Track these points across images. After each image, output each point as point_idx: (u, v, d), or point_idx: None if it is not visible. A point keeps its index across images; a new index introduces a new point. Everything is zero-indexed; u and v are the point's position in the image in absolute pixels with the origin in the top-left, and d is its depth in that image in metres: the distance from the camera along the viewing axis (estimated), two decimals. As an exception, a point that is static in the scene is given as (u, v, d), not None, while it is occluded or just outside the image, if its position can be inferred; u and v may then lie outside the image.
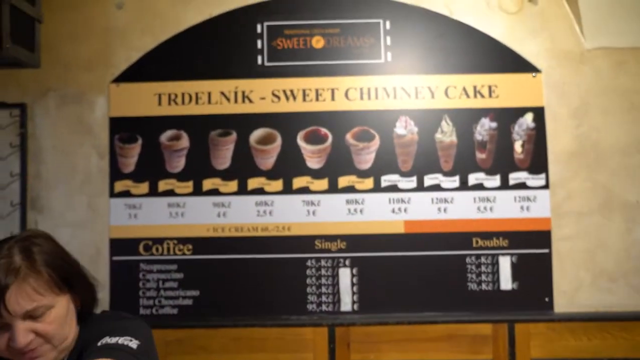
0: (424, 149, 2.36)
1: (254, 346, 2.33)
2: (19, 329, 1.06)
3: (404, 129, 2.35)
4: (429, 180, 2.33)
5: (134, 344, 1.12)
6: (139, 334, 1.17)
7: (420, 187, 2.34)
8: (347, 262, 2.33)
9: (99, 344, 1.11)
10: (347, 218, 2.35)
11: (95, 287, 1.25)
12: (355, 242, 2.35)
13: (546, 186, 2.32)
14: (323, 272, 2.34)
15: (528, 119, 2.33)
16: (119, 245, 2.39)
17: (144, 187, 2.39)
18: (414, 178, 2.33)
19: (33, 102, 2.45)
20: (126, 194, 2.40)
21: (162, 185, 2.38)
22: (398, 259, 2.32)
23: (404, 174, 2.34)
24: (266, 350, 2.31)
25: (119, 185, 2.40)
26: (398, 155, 2.35)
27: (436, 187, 2.34)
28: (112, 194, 2.41)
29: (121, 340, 1.12)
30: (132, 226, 2.39)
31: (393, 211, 2.33)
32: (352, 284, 2.33)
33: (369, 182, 2.34)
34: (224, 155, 2.38)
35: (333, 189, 2.34)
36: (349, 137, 2.36)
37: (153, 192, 2.39)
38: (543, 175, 2.32)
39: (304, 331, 2.32)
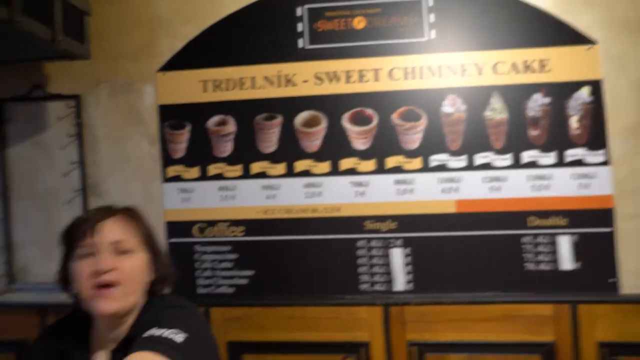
0: (473, 127, 2.14)
1: (308, 325, 2.23)
2: (105, 254, 1.17)
3: (452, 107, 2.13)
4: (479, 158, 2.13)
5: (180, 337, 1.12)
6: (188, 326, 1.17)
7: (470, 166, 2.14)
8: (398, 242, 2.18)
9: (145, 334, 1.13)
10: (397, 198, 2.18)
11: (169, 272, 1.31)
12: (406, 222, 2.18)
13: (606, 162, 2.07)
14: (374, 252, 2.20)
15: (584, 93, 2.07)
16: (174, 228, 2.32)
17: (195, 172, 2.29)
18: (464, 157, 2.13)
19: (86, 94, 2.38)
20: (178, 178, 2.31)
21: (212, 169, 2.28)
22: (451, 239, 2.15)
23: (453, 153, 2.14)
24: (320, 329, 2.20)
25: (171, 171, 2.31)
26: (446, 134, 2.15)
27: (487, 166, 2.13)
28: (165, 179, 2.33)
29: (167, 332, 1.12)
30: (185, 210, 2.31)
31: (443, 191, 2.14)
32: (405, 264, 2.18)
33: (417, 162, 2.16)
34: (270, 138, 2.25)
35: (381, 169, 2.18)
36: (394, 117, 2.17)
37: (203, 176, 2.29)
38: (602, 152, 2.07)
39: (358, 310, 2.19)
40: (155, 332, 1.12)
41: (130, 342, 1.17)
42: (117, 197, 2.37)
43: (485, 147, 2.14)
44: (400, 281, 2.21)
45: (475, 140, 2.14)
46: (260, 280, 2.29)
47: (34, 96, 2.42)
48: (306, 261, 2.25)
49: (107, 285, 1.17)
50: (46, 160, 2.43)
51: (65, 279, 1.24)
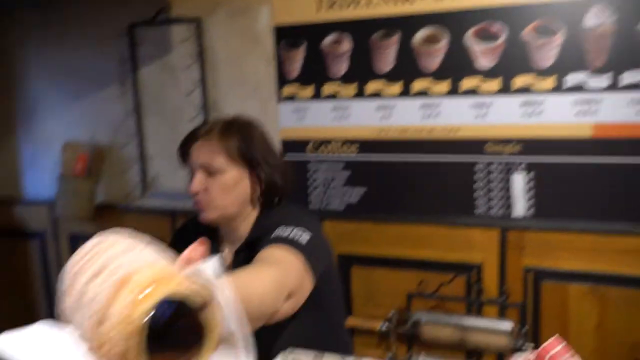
0: (622, 42, 1.73)
1: (420, 242, 2.08)
2: (197, 175, 1.23)
3: (597, 19, 1.73)
4: (628, 77, 1.74)
5: (304, 238, 1.15)
6: (311, 228, 1.20)
7: (614, 87, 1.76)
8: (521, 167, 1.91)
9: (273, 235, 1.15)
10: (523, 120, 1.87)
11: (279, 179, 1.29)
12: (532, 146, 1.88)
13: None
14: (494, 176, 1.95)
15: None
16: (289, 146, 2.21)
17: (309, 91, 2.14)
18: (608, 76, 1.76)
19: (206, 17, 2.27)
20: (293, 98, 2.17)
21: (326, 88, 2.11)
22: (583, 166, 1.83)
23: (594, 72, 1.77)
24: (431, 247, 2.06)
25: (286, 90, 2.17)
26: (587, 51, 1.76)
27: (636, 86, 1.74)
28: (280, 99, 2.20)
29: (293, 233, 1.15)
30: (299, 128, 2.18)
31: (578, 113, 1.81)
32: (528, 189, 1.93)
33: (549, 82, 1.82)
34: (386, 57, 2.00)
35: (506, 89, 1.87)
36: (526, 32, 1.81)
37: (318, 95, 2.13)
38: None
39: (472, 232, 2.00)
40: (282, 232, 1.15)
41: (253, 244, 1.22)
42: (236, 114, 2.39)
43: (636, 63, 1.73)
44: (520, 207, 1.93)
45: (623, 57, 1.73)
46: (371, 198, 2.12)
47: (160, 20, 2.33)
48: (420, 182, 2.04)
49: (200, 202, 1.23)
50: (172, 81, 2.38)
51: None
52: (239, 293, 0.66)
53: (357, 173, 2.15)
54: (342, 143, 2.14)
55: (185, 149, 1.26)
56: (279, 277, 1.00)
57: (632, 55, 1.73)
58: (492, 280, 2.02)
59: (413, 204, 2.08)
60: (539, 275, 1.95)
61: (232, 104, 2.31)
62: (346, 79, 2.08)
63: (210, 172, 1.21)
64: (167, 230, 2.41)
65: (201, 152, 1.22)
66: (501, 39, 1.84)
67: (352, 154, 2.13)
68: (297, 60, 2.14)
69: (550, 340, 0.92)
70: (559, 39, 1.78)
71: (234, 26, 2.24)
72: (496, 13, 1.84)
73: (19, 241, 2.86)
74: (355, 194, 2.16)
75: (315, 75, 2.13)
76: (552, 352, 0.89)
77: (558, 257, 1.92)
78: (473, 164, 1.98)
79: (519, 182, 1.93)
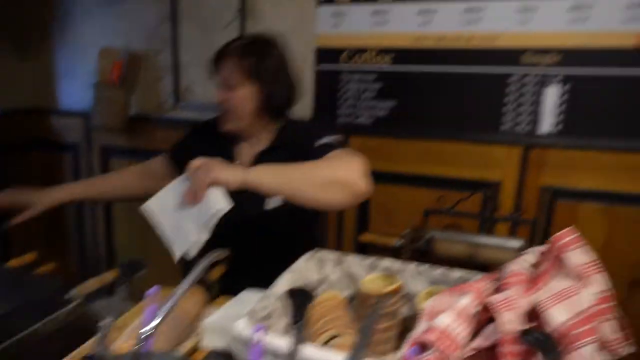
0: None
1: (442, 160, 1.92)
2: (220, 88, 1.31)
3: None
4: None
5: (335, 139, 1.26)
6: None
7: None
8: (557, 79, 1.70)
9: (316, 145, 1.23)
10: (568, 27, 1.65)
11: (292, 91, 1.36)
12: (572, 56, 1.67)
13: None
14: (528, 88, 1.74)
15: None
16: (323, 54, 2.00)
17: None
18: None
19: None
20: (331, 1, 1.95)
21: None
22: (622, 79, 1.62)
23: None
24: (455, 164, 1.90)
25: None
26: None
27: None
28: (319, 2, 1.97)
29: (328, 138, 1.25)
30: (335, 35, 1.96)
31: (627, 20, 1.58)
32: (560, 103, 1.72)
33: None
34: None
35: None
36: None
37: None
38: None
39: (495, 149, 1.83)
40: (319, 142, 1.24)
41: (278, 148, 1.33)
42: (272, 20, 2.05)
43: None
44: (547, 123, 1.74)
45: None
46: (399, 112, 1.92)
47: None
48: (450, 96, 1.85)
49: (224, 111, 1.32)
50: None
51: None
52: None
53: (388, 85, 1.95)
54: (376, 52, 1.93)
55: (214, 64, 1.33)
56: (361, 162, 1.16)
57: None
58: (508, 199, 1.86)
59: (440, 120, 1.90)
60: (555, 194, 1.79)
61: (270, 8, 2.09)
62: None
63: (230, 86, 1.28)
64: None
65: (223, 68, 1.29)
66: None
67: (386, 65, 1.91)
68: None
69: (564, 230, 0.86)
70: None
71: None
72: None
73: (53, 153, 2.64)
74: (385, 107, 1.94)
75: None
76: (565, 239, 0.84)
77: (576, 176, 1.76)
78: (507, 76, 1.78)
79: (552, 96, 1.72)
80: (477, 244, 1.78)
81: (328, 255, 1.14)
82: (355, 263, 1.12)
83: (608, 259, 1.73)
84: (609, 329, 0.79)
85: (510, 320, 0.73)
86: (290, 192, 1.07)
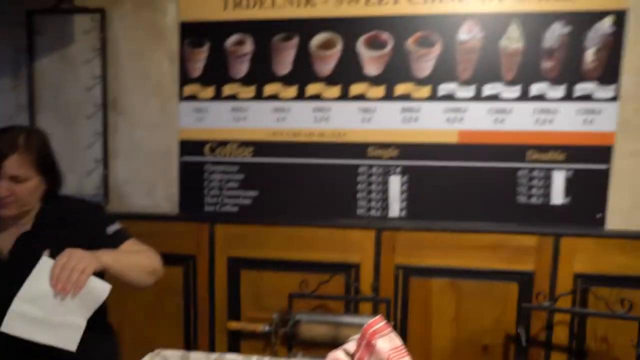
0: (486, 56, 1.79)
1: (305, 244, 1.95)
2: (2, 184, 1.26)
3: (468, 34, 1.78)
4: (488, 89, 1.79)
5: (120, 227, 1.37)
6: (112, 218, 1.39)
7: (478, 97, 1.80)
8: (398, 170, 1.87)
9: (109, 232, 1.33)
10: (402, 126, 1.85)
11: (62, 178, 1.40)
12: (408, 150, 1.86)
13: (615, 98, 1.73)
14: (374, 178, 1.89)
15: (606, 23, 1.71)
16: (187, 147, 2.01)
17: (210, 92, 1.97)
18: (473, 87, 1.80)
19: (111, 8, 2.03)
20: (194, 98, 1.98)
21: (227, 89, 1.96)
22: (449, 169, 1.83)
23: (462, 83, 1.80)
24: (316, 248, 1.94)
25: (187, 90, 1.99)
26: (458, 63, 1.80)
27: (495, 97, 1.79)
28: (181, 98, 2.00)
29: (117, 226, 1.36)
30: (199, 129, 2.00)
31: (448, 120, 1.82)
32: (402, 191, 1.88)
33: (426, 90, 1.82)
34: (285, 60, 1.91)
35: (389, 96, 1.85)
36: (409, 42, 1.82)
37: (218, 96, 1.97)
38: (613, 87, 1.73)
39: (352, 233, 1.91)
40: (111, 227, 1.35)
41: (41, 229, 1.33)
42: (136, 114, 2.05)
43: (496, 78, 1.79)
44: (395, 208, 1.89)
45: (486, 70, 1.79)
46: (263, 201, 1.97)
47: (62, 9, 2.05)
48: (308, 184, 1.94)
49: (6, 202, 1.28)
50: (71, 74, 2.09)
51: None
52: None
53: (250, 176, 2.00)
54: (238, 145, 1.98)
55: None
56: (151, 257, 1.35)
57: (493, 69, 1.79)
58: (368, 278, 1.95)
59: (300, 207, 1.97)
60: (408, 272, 1.92)
61: (133, 101, 2.08)
62: (246, 80, 1.96)
63: (16, 180, 1.29)
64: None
65: (11, 166, 1.28)
66: (388, 48, 1.84)
67: (248, 156, 1.97)
68: (200, 59, 1.98)
69: (374, 318, 0.97)
70: (436, 51, 1.81)
71: (139, 20, 2.04)
72: (385, 22, 1.84)
73: None
74: (248, 196, 1.99)
75: (216, 75, 1.99)
76: (375, 327, 0.94)
77: (424, 255, 1.90)
78: (356, 167, 1.91)
79: (395, 185, 1.89)
80: (340, 324, 1.82)
81: (172, 354, 1.14)
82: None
83: (460, 328, 1.88)
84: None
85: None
86: (127, 274, 1.26)
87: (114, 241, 1.32)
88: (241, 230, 2.03)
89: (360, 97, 1.87)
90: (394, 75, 1.85)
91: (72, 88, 2.11)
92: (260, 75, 1.94)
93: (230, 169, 2.01)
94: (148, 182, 2.09)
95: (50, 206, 1.38)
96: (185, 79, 2.00)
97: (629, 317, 1.64)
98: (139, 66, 2.06)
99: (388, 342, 0.91)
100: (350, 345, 0.98)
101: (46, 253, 1.17)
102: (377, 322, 0.94)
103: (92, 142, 2.12)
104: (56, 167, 1.38)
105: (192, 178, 2.04)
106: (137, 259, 1.30)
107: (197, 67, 1.99)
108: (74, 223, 1.35)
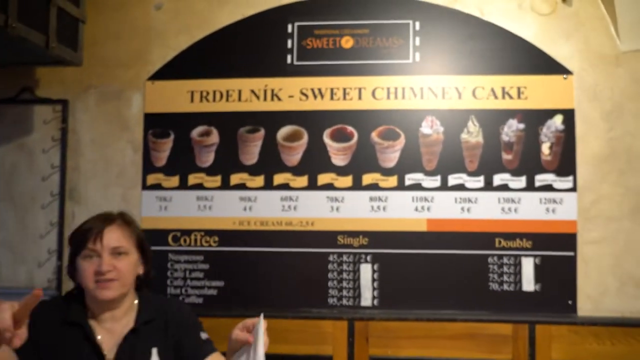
0: (449, 148, 1.89)
1: (275, 337, 2.01)
2: (105, 258, 1.25)
3: (430, 128, 1.89)
4: (453, 179, 1.88)
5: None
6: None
7: (444, 187, 1.88)
8: (368, 258, 1.90)
9: (203, 337, 1.32)
10: (370, 215, 1.90)
11: (151, 266, 1.39)
12: (378, 238, 1.90)
13: (573, 189, 1.84)
14: (345, 267, 1.91)
15: (557, 121, 1.85)
16: (149, 236, 2.02)
17: (175, 181, 1.98)
18: (438, 177, 1.88)
19: (74, 99, 2.06)
20: (158, 187, 1.99)
21: (192, 179, 1.97)
22: (419, 257, 1.87)
23: (428, 173, 1.89)
24: (287, 341, 1.89)
25: (151, 179, 1.99)
26: (423, 155, 1.89)
27: (460, 187, 1.88)
28: (145, 187, 2.00)
29: (205, 335, 1.34)
30: (162, 218, 1.98)
31: (416, 209, 1.88)
32: (373, 280, 1.90)
33: (392, 180, 1.90)
34: (251, 151, 1.95)
35: (357, 186, 1.91)
36: (374, 135, 1.91)
37: (183, 185, 1.98)
38: (571, 178, 1.85)
39: (324, 324, 1.89)
40: (203, 335, 1.32)
41: (142, 326, 1.29)
42: (95, 202, 2.02)
43: (459, 169, 1.88)
44: (367, 297, 1.91)
45: (450, 162, 1.89)
46: (229, 291, 1.95)
47: (23, 99, 2.06)
48: (277, 274, 1.93)
49: (108, 280, 1.26)
50: (28, 163, 2.07)
51: (72, 271, 1.32)
52: None
53: (216, 265, 1.99)
54: (203, 234, 1.96)
55: (86, 237, 1.28)
56: None
57: (456, 161, 1.90)
58: None
59: (269, 297, 1.96)
60: None
61: (92, 190, 2.07)
62: (212, 170, 1.99)
63: (118, 254, 1.28)
64: None
65: (112, 237, 1.28)
66: (353, 140, 1.93)
67: (213, 246, 1.94)
68: (165, 149, 2.01)
69: None
70: (400, 143, 1.90)
71: (103, 110, 2.07)
72: (350, 116, 1.94)
73: None
74: (214, 286, 1.95)
75: (181, 165, 2.02)
76: None
77: (399, 345, 1.88)
78: (327, 255, 1.93)
79: (366, 273, 1.92)
80: None
81: None
82: None
83: None
84: None
85: None
86: None
87: (206, 349, 1.30)
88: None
89: (328, 187, 1.93)
90: (361, 165, 1.92)
91: (27, 177, 2.08)
92: (226, 165, 1.98)
93: (194, 259, 1.98)
94: (107, 273, 2.01)
95: (146, 300, 1.35)
96: (149, 168, 2.02)
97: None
98: (100, 155, 2.07)
99: None
100: None
101: (155, 351, 1.21)
102: None
103: (46, 232, 2.06)
104: (150, 251, 1.38)
105: (154, 268, 1.98)
106: None
107: (162, 156, 2.01)
108: (174, 322, 1.32)
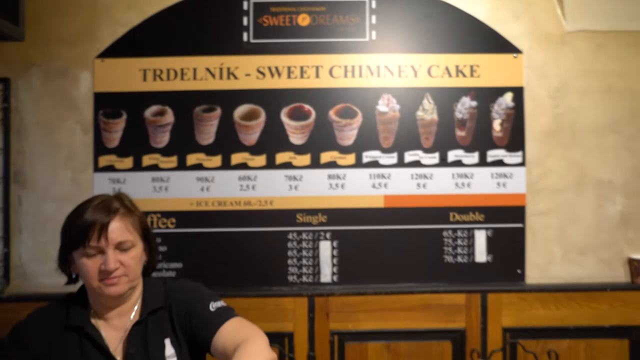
0: (405, 126, 1.95)
1: None
2: (110, 255, 1.17)
3: (386, 106, 1.94)
4: (409, 156, 1.95)
5: (222, 304, 1.25)
6: (211, 293, 1.29)
7: (400, 163, 1.95)
8: (327, 235, 1.95)
9: (212, 309, 1.21)
10: (329, 192, 1.95)
11: (157, 252, 1.33)
12: (336, 215, 1.96)
13: (522, 163, 1.95)
14: (304, 244, 1.96)
15: (507, 98, 1.95)
16: None
17: (128, 162, 1.96)
18: (395, 154, 1.95)
19: (17, 77, 1.97)
20: (110, 168, 1.96)
21: (147, 160, 1.96)
22: (377, 233, 1.94)
23: (385, 150, 1.94)
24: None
25: (103, 160, 1.96)
26: (380, 132, 1.95)
27: (416, 164, 1.95)
28: (96, 169, 1.96)
29: (220, 303, 1.24)
30: None
31: (373, 186, 1.94)
32: (332, 256, 1.96)
33: (350, 158, 1.95)
34: (208, 130, 1.95)
35: (315, 164, 1.95)
36: (332, 114, 1.94)
37: (137, 166, 1.96)
38: (520, 153, 1.95)
39: (284, 301, 1.94)
40: (213, 305, 1.22)
41: (150, 315, 1.24)
42: (43, 186, 1.97)
43: (416, 145, 1.95)
44: (327, 273, 1.96)
45: (406, 139, 1.95)
46: (188, 273, 1.95)
47: None
48: (237, 254, 1.95)
49: (115, 277, 1.19)
50: None
51: (65, 266, 1.25)
52: None
53: (173, 247, 1.99)
54: (159, 216, 1.94)
55: (86, 233, 1.19)
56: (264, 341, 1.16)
57: (412, 138, 1.96)
58: (303, 347, 1.96)
59: (230, 276, 1.99)
60: (343, 338, 1.96)
61: (40, 173, 2.01)
62: (167, 150, 1.98)
63: (123, 248, 1.21)
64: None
65: (115, 233, 1.20)
66: (311, 119, 1.96)
67: (170, 228, 1.93)
68: (117, 129, 1.97)
69: None
70: (358, 121, 1.95)
71: (49, 90, 2.00)
72: (308, 94, 1.96)
73: None
74: (171, 268, 1.95)
75: (135, 145, 1.99)
76: None
77: (358, 319, 1.96)
78: (286, 234, 1.97)
79: (325, 250, 1.97)
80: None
81: None
82: None
83: None
84: None
85: None
86: None
87: (219, 317, 1.19)
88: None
89: (287, 166, 1.96)
90: (319, 144, 1.96)
91: None
92: (182, 145, 1.97)
93: (151, 241, 1.94)
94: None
95: (151, 288, 1.29)
96: (100, 149, 1.98)
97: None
98: (47, 137, 2.00)
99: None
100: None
101: (167, 341, 1.20)
102: None
103: None
104: (153, 236, 1.30)
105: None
106: None
107: (114, 137, 1.97)
108: (175, 304, 1.25)
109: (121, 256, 1.19)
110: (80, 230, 1.18)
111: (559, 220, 1.96)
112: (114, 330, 1.23)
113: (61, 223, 1.99)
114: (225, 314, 1.21)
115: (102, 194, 1.27)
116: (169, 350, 1.23)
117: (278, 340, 1.94)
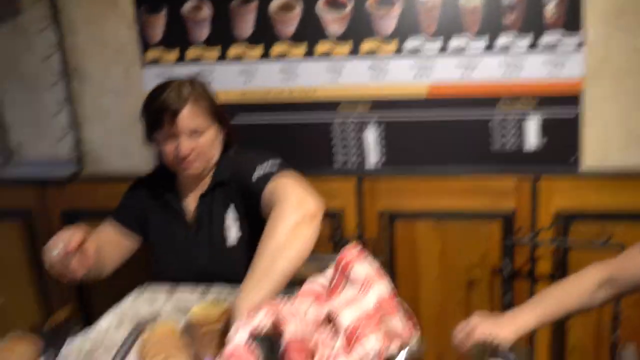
0: (448, 11, 1.92)
1: None
2: (183, 141, 1.34)
3: None
4: (454, 42, 1.94)
5: (277, 163, 1.39)
6: (270, 155, 1.43)
7: (444, 51, 1.96)
8: (372, 123, 2.07)
9: (253, 179, 1.32)
10: (371, 82, 2.03)
11: (230, 126, 1.49)
12: (379, 104, 2.05)
13: (580, 46, 1.88)
14: (348, 132, 2.10)
15: None
16: None
17: (173, 55, 2.13)
18: (438, 41, 1.95)
19: None
20: (157, 62, 2.15)
21: (190, 52, 2.11)
22: (421, 122, 2.03)
23: (427, 38, 1.95)
24: None
25: (150, 55, 2.14)
26: (421, 20, 1.94)
27: (462, 50, 1.94)
28: (144, 63, 2.16)
29: (270, 163, 1.37)
30: None
31: (416, 75, 2.00)
32: (377, 144, 2.09)
33: (391, 46, 1.98)
34: (246, 23, 2.04)
35: (355, 53, 2.01)
36: (369, 3, 1.95)
37: (182, 59, 2.12)
38: (577, 35, 1.87)
39: (332, 183, 2.13)
40: (255, 175, 1.33)
41: (217, 187, 1.44)
42: (99, 80, 2.22)
43: (461, 31, 1.93)
44: (372, 159, 2.11)
45: (450, 25, 1.93)
46: None
47: None
48: (281, 143, 2.14)
49: (189, 161, 1.36)
50: (25, 45, 2.24)
51: (152, 141, 1.43)
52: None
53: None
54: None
55: (160, 119, 1.34)
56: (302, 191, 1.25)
57: (457, 23, 1.94)
58: (352, 224, 2.19)
59: None
60: (392, 217, 2.15)
61: (94, 69, 2.23)
62: (209, 42, 2.09)
63: (195, 133, 1.34)
64: (36, 200, 2.35)
65: (187, 118, 1.33)
66: (348, 9, 1.97)
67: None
68: (158, 24, 2.10)
69: (347, 247, 1.09)
70: (396, 10, 1.95)
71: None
72: None
73: None
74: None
75: (178, 40, 2.11)
76: (349, 256, 1.07)
77: (406, 200, 2.13)
78: (330, 123, 2.11)
79: (370, 138, 2.09)
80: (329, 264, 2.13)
81: (159, 289, 1.34)
82: (186, 293, 1.34)
83: (445, 265, 2.19)
84: (396, 322, 1.03)
85: (289, 331, 0.88)
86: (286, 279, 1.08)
87: (258, 188, 1.28)
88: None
89: (327, 55, 2.03)
90: (358, 33, 1.98)
91: (29, 58, 2.27)
92: (222, 37, 2.08)
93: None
94: (122, 145, 2.29)
95: (224, 161, 1.46)
96: (146, 44, 2.14)
97: (607, 246, 1.89)
98: (96, 33, 2.18)
99: (363, 267, 1.03)
100: (326, 275, 1.10)
101: (229, 213, 1.41)
102: (352, 251, 1.04)
103: (58, 111, 2.31)
104: (226, 113, 1.45)
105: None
106: (279, 252, 1.08)
107: (157, 32, 2.11)
108: (235, 177, 1.40)
109: (194, 142, 1.33)
110: (154, 117, 1.34)
111: (619, 107, 1.92)
112: (192, 198, 1.46)
113: (120, 115, 2.31)
114: (262, 182, 1.28)
115: (175, 79, 1.40)
116: (229, 221, 1.41)
117: (327, 218, 2.11)
